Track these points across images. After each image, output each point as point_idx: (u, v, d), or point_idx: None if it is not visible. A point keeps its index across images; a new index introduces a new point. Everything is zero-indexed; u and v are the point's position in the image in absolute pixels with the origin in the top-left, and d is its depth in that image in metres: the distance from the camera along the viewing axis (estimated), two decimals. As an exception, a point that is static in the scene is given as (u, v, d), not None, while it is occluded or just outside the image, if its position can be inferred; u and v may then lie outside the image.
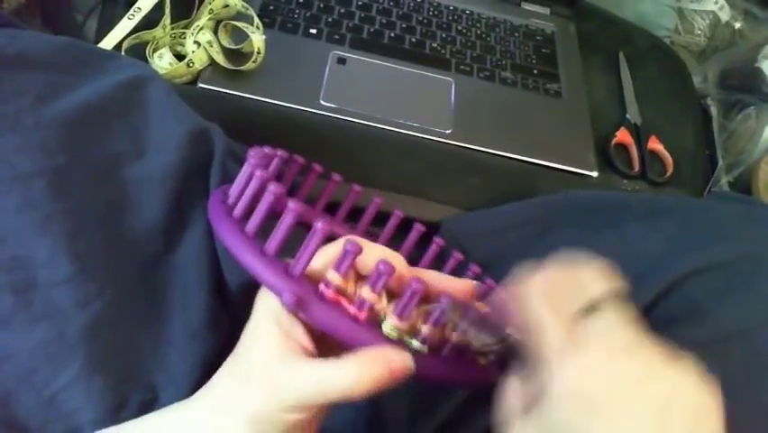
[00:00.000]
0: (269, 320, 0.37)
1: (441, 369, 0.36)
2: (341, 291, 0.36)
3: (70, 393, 0.42)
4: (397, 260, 0.39)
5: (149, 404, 0.44)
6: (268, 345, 0.36)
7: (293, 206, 0.35)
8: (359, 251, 0.35)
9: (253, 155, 0.43)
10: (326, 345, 0.38)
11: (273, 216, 0.38)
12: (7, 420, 0.41)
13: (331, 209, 0.58)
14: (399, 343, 0.36)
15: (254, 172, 0.39)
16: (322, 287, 0.35)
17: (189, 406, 0.39)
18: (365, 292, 0.35)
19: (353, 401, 0.35)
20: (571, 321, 0.34)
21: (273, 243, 0.37)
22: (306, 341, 0.37)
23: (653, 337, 0.35)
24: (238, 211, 0.40)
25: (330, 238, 0.37)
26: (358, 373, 0.34)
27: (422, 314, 0.37)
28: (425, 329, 0.36)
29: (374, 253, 0.37)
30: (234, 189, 0.43)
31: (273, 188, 0.37)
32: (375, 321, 0.36)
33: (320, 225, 0.35)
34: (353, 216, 0.58)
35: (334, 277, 0.35)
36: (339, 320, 0.35)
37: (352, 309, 0.35)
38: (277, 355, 0.36)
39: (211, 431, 0.37)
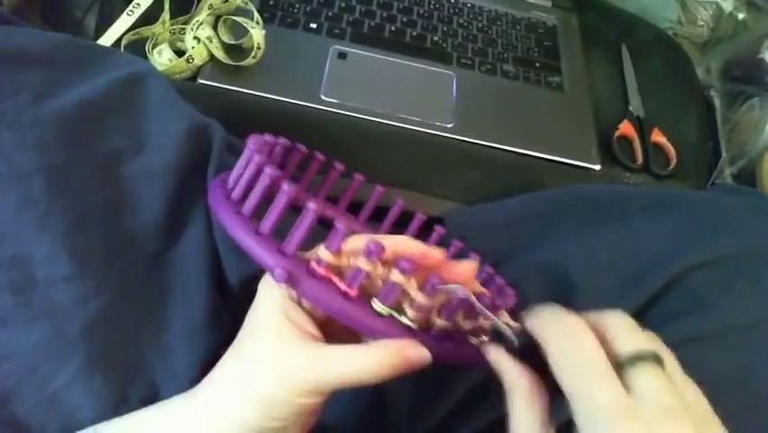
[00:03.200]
0: (273, 309, 0.37)
1: (430, 346, 0.36)
2: (332, 269, 0.36)
3: (71, 391, 0.42)
4: (402, 241, 0.39)
5: (149, 401, 0.44)
6: (276, 332, 0.37)
7: (287, 187, 0.36)
8: (348, 230, 0.36)
9: (253, 141, 0.44)
10: (327, 333, 0.38)
11: (271, 199, 0.39)
12: (8, 419, 0.41)
13: (335, 202, 0.58)
14: (390, 319, 0.36)
15: (252, 157, 0.40)
16: (313, 264, 0.36)
17: (193, 396, 0.39)
18: (360, 262, 0.35)
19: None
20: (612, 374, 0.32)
21: (267, 223, 0.37)
22: (313, 329, 0.37)
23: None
24: (236, 194, 0.41)
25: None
26: (378, 359, 0.35)
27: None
28: (410, 312, 0.36)
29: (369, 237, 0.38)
30: (234, 174, 0.43)
31: (270, 170, 0.37)
32: (367, 298, 0.37)
33: (312, 206, 0.35)
34: (353, 210, 0.58)
35: (325, 254, 0.36)
36: (330, 296, 0.35)
37: (342, 286, 0.36)
38: (289, 342, 0.36)
39: (219, 418, 0.37)
